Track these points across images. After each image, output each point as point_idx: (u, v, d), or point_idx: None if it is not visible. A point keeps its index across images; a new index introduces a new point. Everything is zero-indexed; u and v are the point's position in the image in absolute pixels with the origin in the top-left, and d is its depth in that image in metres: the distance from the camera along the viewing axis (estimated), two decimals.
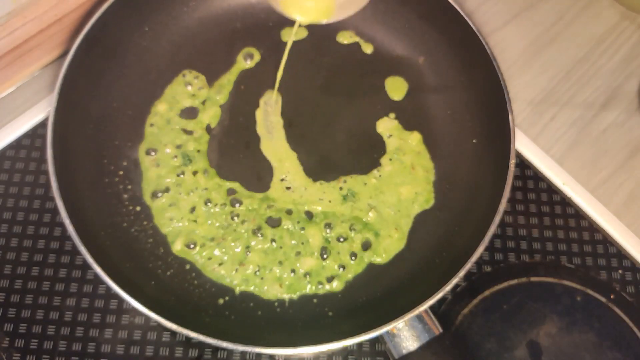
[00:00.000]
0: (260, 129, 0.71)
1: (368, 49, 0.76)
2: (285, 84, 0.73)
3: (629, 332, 0.65)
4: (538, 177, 0.74)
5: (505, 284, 0.67)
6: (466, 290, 0.67)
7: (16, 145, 0.72)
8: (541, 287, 0.67)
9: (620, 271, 0.69)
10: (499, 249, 0.70)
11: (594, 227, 0.71)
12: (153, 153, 0.69)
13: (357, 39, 0.76)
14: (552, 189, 0.73)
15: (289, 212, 0.67)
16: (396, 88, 0.74)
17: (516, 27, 0.83)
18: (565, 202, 0.73)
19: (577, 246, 0.70)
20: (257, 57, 0.76)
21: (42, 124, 0.73)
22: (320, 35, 0.76)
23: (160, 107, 0.71)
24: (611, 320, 0.66)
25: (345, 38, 0.76)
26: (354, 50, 0.76)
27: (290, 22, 0.76)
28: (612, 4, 0.85)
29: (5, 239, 0.67)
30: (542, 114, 0.78)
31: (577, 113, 0.78)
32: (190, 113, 0.71)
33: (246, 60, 0.75)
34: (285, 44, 0.74)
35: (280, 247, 0.65)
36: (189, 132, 0.70)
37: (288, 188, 0.68)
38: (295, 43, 0.75)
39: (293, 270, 0.64)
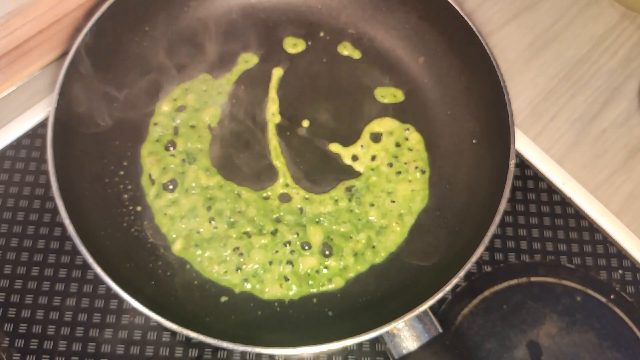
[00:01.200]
0: None
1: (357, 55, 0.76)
2: (288, 87, 0.74)
3: (629, 332, 0.65)
4: (538, 177, 0.74)
5: (505, 284, 0.68)
6: (466, 290, 0.67)
7: (16, 145, 0.72)
8: (541, 287, 0.67)
9: (620, 271, 0.69)
10: (499, 249, 0.70)
11: (594, 227, 0.71)
12: (155, 153, 0.69)
13: (353, 49, 0.76)
14: (552, 189, 0.73)
15: (290, 212, 0.67)
16: (391, 94, 0.74)
17: (516, 27, 0.84)
18: (565, 202, 0.73)
19: (577, 246, 0.70)
20: (257, 57, 0.76)
21: (42, 124, 0.74)
22: (321, 41, 0.77)
23: (163, 107, 0.71)
24: (611, 321, 0.66)
25: (345, 49, 0.76)
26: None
27: (290, 28, 0.76)
28: (612, 4, 0.85)
29: (5, 239, 0.68)
30: (542, 114, 0.78)
31: (577, 113, 0.78)
32: (191, 113, 0.71)
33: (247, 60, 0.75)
34: (287, 51, 0.75)
35: (281, 247, 0.65)
36: (191, 132, 0.70)
37: (288, 186, 0.68)
38: (296, 46, 0.76)
39: (294, 270, 0.64)
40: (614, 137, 0.77)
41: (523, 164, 0.74)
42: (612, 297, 0.67)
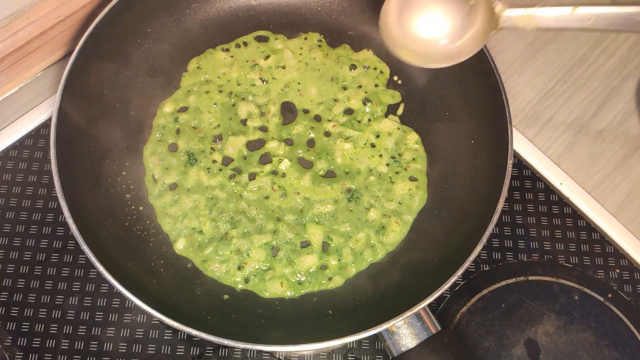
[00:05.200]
0: None
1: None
2: (290, 90, 0.74)
3: (627, 330, 0.66)
4: (536, 177, 0.74)
5: (503, 283, 0.68)
6: (465, 289, 0.68)
7: (19, 145, 0.73)
8: (539, 286, 0.68)
9: (617, 270, 0.69)
10: (497, 248, 0.70)
11: (591, 227, 0.72)
12: (157, 153, 0.69)
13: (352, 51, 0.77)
14: (549, 189, 0.74)
15: (290, 211, 0.67)
16: (390, 95, 0.75)
17: None
18: (563, 201, 0.73)
19: (574, 245, 0.71)
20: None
21: (45, 125, 0.74)
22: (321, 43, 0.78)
23: (165, 108, 0.71)
24: (609, 319, 0.66)
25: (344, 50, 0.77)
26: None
27: (291, 30, 0.77)
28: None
29: (8, 238, 0.68)
30: (540, 114, 0.79)
31: (574, 114, 0.79)
32: (193, 114, 0.72)
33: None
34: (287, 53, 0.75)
35: (282, 246, 0.65)
36: (192, 132, 0.70)
37: (291, 187, 0.69)
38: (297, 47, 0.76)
39: (294, 269, 0.65)
40: (611, 138, 0.77)
41: (521, 164, 0.75)
42: (609, 296, 0.68)
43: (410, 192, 0.69)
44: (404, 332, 0.56)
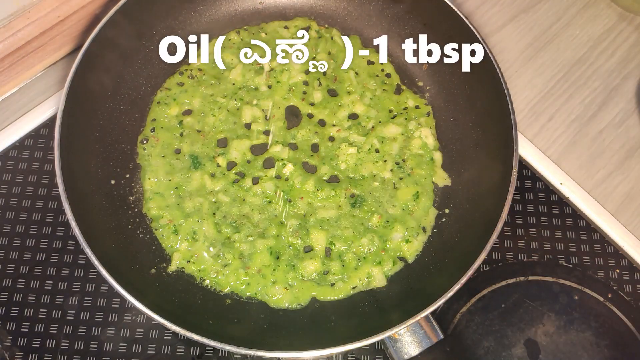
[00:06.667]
0: None
1: None
2: (294, 94, 0.74)
3: (627, 330, 0.66)
4: (536, 177, 0.74)
5: (503, 283, 0.68)
6: (465, 289, 0.67)
7: (19, 145, 0.73)
8: (539, 286, 0.68)
9: (617, 270, 0.70)
10: (497, 248, 0.70)
11: (591, 227, 0.72)
12: (161, 156, 0.69)
13: None
14: (549, 189, 0.74)
15: (294, 217, 0.67)
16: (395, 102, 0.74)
17: (514, 28, 0.84)
18: (563, 201, 0.73)
19: (574, 245, 0.71)
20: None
21: (45, 125, 0.74)
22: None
23: (170, 111, 0.71)
24: (608, 319, 0.66)
25: None
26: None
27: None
28: (610, 5, 0.86)
29: (8, 238, 0.68)
30: (540, 114, 0.78)
31: (574, 114, 0.79)
32: (197, 117, 0.71)
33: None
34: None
35: (285, 252, 0.65)
36: (197, 136, 0.70)
37: (295, 191, 0.68)
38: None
39: (296, 275, 0.64)
40: (612, 138, 0.77)
41: (521, 164, 0.75)
42: (609, 296, 0.68)
43: (413, 199, 0.68)
44: (407, 339, 0.56)
